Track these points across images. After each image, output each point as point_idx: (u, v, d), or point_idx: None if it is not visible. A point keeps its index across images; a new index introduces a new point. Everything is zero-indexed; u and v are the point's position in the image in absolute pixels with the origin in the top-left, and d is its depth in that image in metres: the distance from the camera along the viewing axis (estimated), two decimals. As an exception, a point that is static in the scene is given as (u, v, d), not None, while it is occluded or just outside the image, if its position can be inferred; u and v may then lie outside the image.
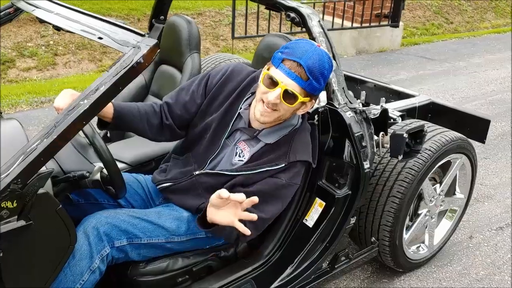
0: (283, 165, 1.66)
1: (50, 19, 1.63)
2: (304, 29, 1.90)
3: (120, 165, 2.17)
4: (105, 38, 1.46)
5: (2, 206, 1.19)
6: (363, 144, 1.87)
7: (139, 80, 2.81)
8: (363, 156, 1.86)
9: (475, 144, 2.54)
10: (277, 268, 1.90)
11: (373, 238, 2.18)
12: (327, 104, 1.88)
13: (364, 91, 3.26)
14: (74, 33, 1.56)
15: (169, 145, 2.10)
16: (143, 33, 1.45)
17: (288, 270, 1.90)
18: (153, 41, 1.39)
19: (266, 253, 1.91)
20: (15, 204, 1.21)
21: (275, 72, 1.55)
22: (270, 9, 2.17)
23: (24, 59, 6.73)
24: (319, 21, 1.91)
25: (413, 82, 5.40)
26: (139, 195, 1.90)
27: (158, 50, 1.41)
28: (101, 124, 1.72)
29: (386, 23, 6.62)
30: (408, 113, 2.72)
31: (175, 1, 8.81)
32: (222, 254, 1.88)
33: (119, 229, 1.59)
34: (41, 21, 1.74)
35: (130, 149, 2.27)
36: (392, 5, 6.48)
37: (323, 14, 6.31)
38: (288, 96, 1.55)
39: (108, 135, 2.75)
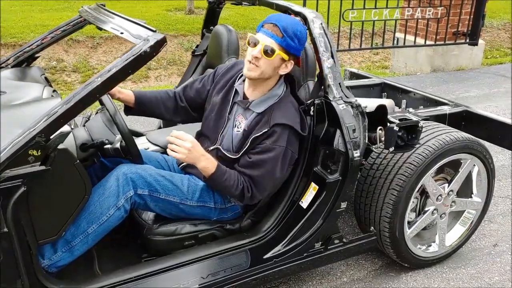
0: (266, 129, 1.94)
1: (96, 22, 2.07)
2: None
3: (154, 147, 2.56)
4: (125, 33, 1.83)
5: (29, 153, 1.57)
6: (355, 134, 2.03)
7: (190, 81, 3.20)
8: (353, 145, 2.03)
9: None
10: (272, 242, 2.11)
11: (372, 227, 2.29)
12: (322, 97, 2.08)
13: (404, 100, 3.36)
14: (105, 30, 1.96)
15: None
16: (154, 29, 1.80)
17: (281, 245, 2.10)
18: (161, 36, 1.73)
19: (264, 229, 2.13)
20: (39, 153, 1.59)
21: (257, 35, 1.93)
22: (282, 12, 2.40)
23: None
24: (321, 23, 2.12)
25: (482, 99, 5.24)
26: (162, 169, 2.23)
27: (165, 43, 1.75)
28: (127, 109, 2.16)
29: (463, 41, 6.47)
30: (439, 120, 2.80)
31: (251, 21, 9.32)
32: (227, 226, 2.15)
33: (144, 180, 1.93)
34: (89, 23, 2.19)
35: (167, 134, 2.62)
36: (471, 22, 6.33)
37: (394, 31, 6.35)
38: (267, 50, 1.90)
39: (162, 127, 3.16)
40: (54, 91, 2.24)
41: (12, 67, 2.57)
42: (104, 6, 2.39)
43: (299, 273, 2.45)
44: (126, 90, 2.15)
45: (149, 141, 2.61)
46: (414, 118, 2.41)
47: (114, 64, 1.69)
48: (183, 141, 1.87)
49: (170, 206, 2.02)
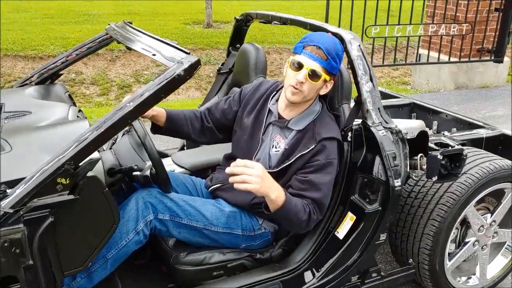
0: (313, 146, 1.87)
1: (125, 41, 1.99)
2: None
3: (180, 170, 2.47)
4: (157, 55, 1.75)
5: (58, 181, 1.49)
6: (396, 162, 1.92)
7: (215, 100, 3.12)
8: (394, 174, 1.91)
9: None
10: (306, 275, 2.00)
11: (411, 259, 2.17)
12: (361, 122, 1.98)
13: (436, 121, 3.25)
14: (136, 50, 1.88)
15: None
16: (187, 51, 1.72)
17: (316, 279, 1.99)
18: (195, 58, 1.65)
19: (297, 260, 2.02)
20: (68, 181, 1.50)
21: (300, 57, 1.84)
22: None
23: (140, 84, 7.57)
24: (359, 45, 2.03)
25: (510, 119, 5.08)
26: (190, 193, 2.15)
27: (199, 66, 1.67)
28: (155, 128, 2.04)
29: (488, 58, 6.34)
30: (475, 144, 2.68)
31: (279, 36, 9.30)
32: (257, 256, 2.04)
33: (165, 205, 1.86)
34: (118, 42, 2.12)
35: (193, 156, 2.56)
36: (496, 39, 6.21)
37: (418, 47, 6.25)
38: (313, 75, 1.83)
39: (185, 147, 3.08)
40: (79, 111, 2.18)
41: (35, 84, 2.52)
42: (131, 23, 2.33)
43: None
44: (158, 108, 2.05)
45: (174, 162, 2.52)
46: (452, 143, 2.30)
47: (147, 88, 1.61)
48: (253, 169, 1.68)
49: (194, 232, 1.93)
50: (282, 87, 1.99)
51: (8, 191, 1.45)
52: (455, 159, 2.01)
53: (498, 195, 2.28)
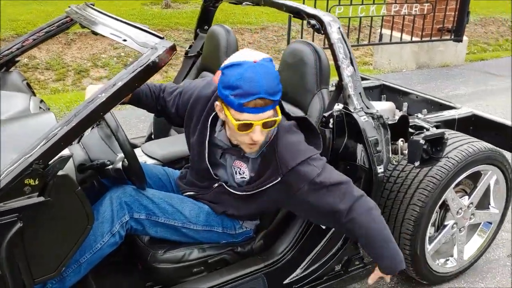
0: (279, 179, 1.68)
1: (90, 25, 1.84)
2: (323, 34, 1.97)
3: (151, 161, 2.35)
4: (128, 40, 1.62)
5: (26, 182, 1.36)
6: (378, 148, 1.89)
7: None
8: (376, 160, 1.88)
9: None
10: (289, 266, 1.95)
11: (392, 245, 2.16)
12: (342, 108, 1.93)
13: (406, 102, 3.24)
14: (105, 36, 1.73)
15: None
16: (161, 36, 1.59)
17: (300, 269, 1.95)
18: (170, 43, 1.53)
19: (280, 251, 1.97)
20: (37, 182, 1.37)
21: (244, 117, 1.57)
22: (295, 17, 2.24)
23: (98, 69, 7.27)
24: (339, 27, 1.96)
25: (472, 98, 5.20)
26: (166, 188, 2.04)
27: (175, 52, 1.55)
28: None
29: (448, 37, 6.44)
30: (447, 125, 2.68)
31: (240, 16, 9.14)
32: (238, 249, 1.97)
33: (140, 203, 1.75)
34: (83, 27, 1.95)
35: (164, 147, 2.45)
36: (456, 19, 6.30)
37: (381, 27, 6.26)
38: (267, 124, 1.61)
39: (153, 136, 2.95)
40: (41, 101, 2.02)
41: (-11, 72, 2.32)
42: (94, 5, 2.16)
43: None
44: None
45: (145, 153, 2.40)
46: (427, 125, 2.29)
47: (119, 77, 1.48)
48: None
49: (171, 230, 1.83)
50: None
51: (-31, 196, 1.31)
52: (436, 143, 1.99)
53: (475, 178, 2.29)
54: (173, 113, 1.98)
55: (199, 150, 1.85)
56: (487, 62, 7.03)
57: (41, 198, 1.39)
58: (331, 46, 1.93)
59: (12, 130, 1.65)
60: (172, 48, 1.52)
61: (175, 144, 2.46)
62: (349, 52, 1.95)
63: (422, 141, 1.91)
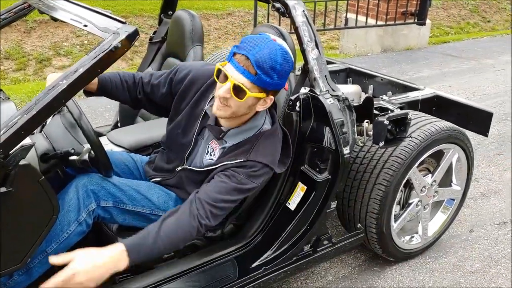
0: (241, 160, 1.67)
1: (49, 11, 1.78)
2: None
3: (118, 149, 2.32)
4: (89, 26, 1.57)
5: (-15, 173, 1.32)
6: (344, 130, 1.91)
7: (148, 71, 2.94)
8: (343, 142, 1.90)
9: (491, 139, 2.51)
10: (259, 249, 1.97)
11: (359, 224, 2.21)
12: (309, 91, 1.94)
13: (371, 85, 3.29)
14: (65, 22, 1.69)
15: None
16: (123, 20, 1.56)
17: (269, 251, 1.97)
18: (132, 28, 1.49)
19: (249, 235, 1.98)
20: (-3, 172, 1.34)
21: (227, 67, 1.56)
22: (260, 1, 2.23)
23: (60, 57, 7.07)
24: (303, 11, 1.97)
25: (435, 80, 5.32)
26: (133, 175, 2.01)
27: (138, 36, 1.52)
28: (87, 92, 1.87)
29: (412, 21, 6.55)
30: (411, 106, 2.74)
31: (205, 2, 9.03)
32: (208, 234, 1.97)
33: (107, 191, 1.72)
34: (41, 13, 1.89)
35: (131, 134, 2.40)
36: (419, 2, 6.40)
37: (346, 12, 6.31)
38: (237, 90, 1.55)
39: (119, 124, 2.90)
40: (0, 91, 1.95)
41: None
42: None
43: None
44: None
45: (111, 142, 2.36)
46: (391, 107, 2.33)
47: (81, 63, 1.45)
48: (70, 281, 1.39)
49: (140, 217, 1.81)
50: None
51: None
52: (400, 123, 2.03)
53: (438, 156, 2.36)
54: (162, 93, 1.88)
55: (188, 121, 1.81)
56: (450, 45, 7.19)
57: (3, 189, 1.35)
58: (296, 30, 1.94)
59: (-31, 120, 1.59)
60: (135, 33, 1.49)
61: (142, 131, 2.43)
62: (314, 35, 1.95)
63: (386, 122, 1.95)
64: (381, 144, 1.98)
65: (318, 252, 2.06)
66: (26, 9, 2.26)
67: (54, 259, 1.43)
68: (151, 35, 3.06)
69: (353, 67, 3.51)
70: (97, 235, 1.92)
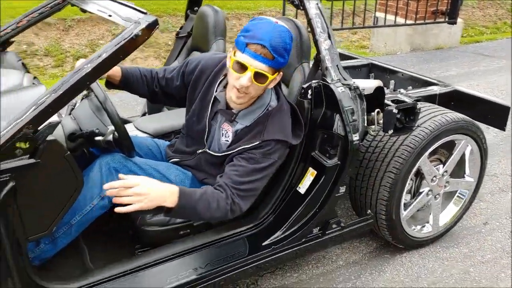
0: (257, 143, 1.79)
1: (79, 3, 1.93)
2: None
3: (143, 135, 2.46)
4: (113, 16, 1.72)
5: (17, 146, 1.47)
6: (354, 117, 1.99)
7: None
8: (352, 129, 1.98)
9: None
10: (269, 229, 2.07)
11: (369, 211, 2.28)
12: (320, 80, 2.02)
13: (393, 80, 3.34)
14: (92, 13, 1.84)
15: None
16: (145, 11, 1.70)
17: (279, 232, 2.06)
18: (152, 18, 1.63)
19: (261, 216, 2.08)
20: (27, 145, 1.48)
21: (242, 57, 1.67)
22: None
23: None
24: (317, 3, 2.05)
25: (463, 78, 5.28)
26: (156, 157, 2.15)
27: (157, 26, 1.65)
28: (109, 84, 2.04)
29: (443, 20, 6.49)
30: (429, 100, 2.78)
31: (238, 1, 9.18)
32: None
33: (128, 169, 1.86)
34: (72, 5, 2.05)
35: (155, 122, 2.56)
36: (450, 1, 6.35)
37: (375, 11, 6.32)
38: (259, 77, 1.69)
39: (146, 114, 3.05)
40: (34, 78, 2.12)
41: (-15, 52, 2.42)
42: None
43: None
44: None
45: (137, 128, 2.51)
46: (407, 100, 2.39)
47: (104, 49, 1.59)
48: (131, 188, 1.57)
49: None
50: None
51: (-34, 157, 1.43)
52: (409, 113, 2.09)
53: (450, 147, 2.40)
54: (176, 86, 2.03)
55: (201, 108, 1.94)
56: (482, 44, 7.08)
57: (32, 160, 1.50)
58: (309, 21, 2.03)
59: (5, 101, 1.76)
60: (155, 22, 1.62)
61: (165, 119, 2.58)
62: (327, 27, 2.04)
63: (395, 110, 2.01)
64: (390, 132, 2.04)
65: (327, 234, 2.14)
66: (60, 4, 2.44)
67: (123, 176, 1.60)
68: (178, 30, 3.21)
69: (375, 62, 3.56)
70: (120, 214, 2.07)
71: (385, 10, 6.28)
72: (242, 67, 1.68)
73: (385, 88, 3.23)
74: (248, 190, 1.81)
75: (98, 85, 1.87)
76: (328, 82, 1.99)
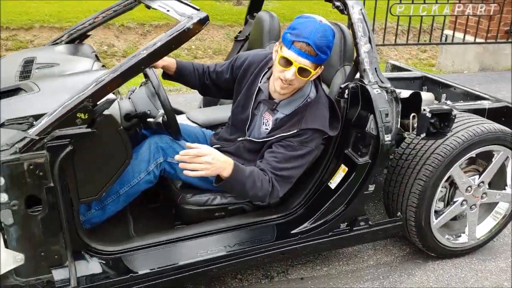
0: (295, 131, 1.95)
1: (146, 1, 2.18)
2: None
3: (193, 125, 2.67)
4: (171, 11, 1.94)
5: (78, 116, 1.71)
6: (387, 119, 2.06)
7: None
8: (385, 129, 2.06)
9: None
10: (299, 219, 2.18)
11: (399, 213, 2.31)
12: (358, 80, 2.12)
13: (445, 94, 3.34)
14: (153, 8, 2.06)
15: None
16: (198, 8, 1.89)
17: (307, 223, 2.17)
18: (204, 14, 1.83)
19: (292, 206, 2.20)
20: (86, 116, 1.72)
21: (288, 53, 1.83)
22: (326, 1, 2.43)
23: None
24: (360, 9, 2.16)
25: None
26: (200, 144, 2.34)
27: (208, 22, 1.84)
28: (165, 75, 2.29)
29: (516, 40, 6.27)
30: (477, 114, 2.77)
31: (298, 13, 9.36)
32: (256, 202, 2.23)
33: (174, 150, 2.05)
34: (140, 2, 2.31)
35: (204, 114, 2.77)
36: (525, 21, 6.12)
37: (443, 28, 6.23)
38: (302, 72, 1.86)
39: (201, 107, 3.27)
40: (103, 66, 2.39)
41: (65, 43, 2.74)
42: None
43: (327, 253, 2.51)
44: (169, 58, 2.24)
45: (188, 119, 2.73)
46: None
47: (159, 39, 1.80)
48: (203, 157, 1.78)
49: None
50: None
51: (35, 122, 1.68)
52: (444, 118, 2.13)
53: (489, 157, 2.38)
54: (226, 79, 2.24)
55: (246, 99, 2.12)
56: (560, 68, 6.72)
57: (89, 130, 1.73)
58: (351, 25, 2.14)
59: (73, 80, 2.03)
60: (206, 18, 1.82)
61: (215, 112, 2.79)
62: (368, 31, 2.14)
63: (428, 114, 2.07)
64: (422, 135, 2.09)
65: (354, 231, 2.22)
66: (133, 3, 2.72)
67: (192, 145, 1.80)
68: (237, 34, 3.42)
69: (428, 75, 3.57)
70: (165, 195, 2.28)
71: (453, 27, 6.17)
72: (288, 62, 1.85)
73: (436, 101, 3.27)
74: (285, 177, 1.97)
75: (154, 73, 2.09)
76: (365, 83, 2.09)
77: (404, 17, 5.93)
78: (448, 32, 6.43)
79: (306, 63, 1.84)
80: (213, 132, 2.44)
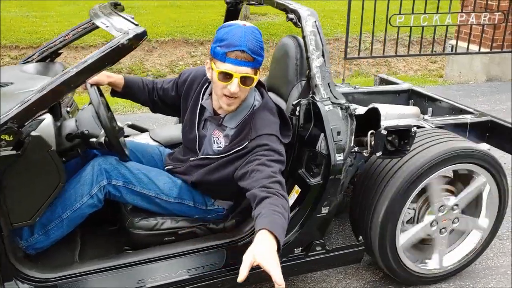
0: (247, 143, 1.85)
1: (94, 18, 2.11)
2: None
3: (154, 143, 2.60)
4: (109, 27, 1.87)
5: (2, 138, 1.65)
6: (339, 137, 1.94)
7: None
8: (336, 148, 1.93)
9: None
10: (250, 244, 2.06)
11: (360, 237, 2.18)
12: (310, 97, 2.01)
13: (431, 108, 3.20)
14: (99, 26, 1.99)
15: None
16: (136, 23, 1.82)
17: (259, 248, 2.04)
18: (141, 29, 1.74)
19: (245, 230, 2.08)
20: (11, 138, 1.65)
21: (225, 66, 1.75)
22: (281, 9, 2.31)
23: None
24: (314, 21, 2.05)
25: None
26: (157, 165, 2.26)
27: (145, 37, 1.76)
28: (113, 92, 2.22)
29: (523, 49, 6.02)
30: (459, 129, 2.62)
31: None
32: (210, 225, 2.13)
33: (119, 171, 1.97)
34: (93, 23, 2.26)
35: (169, 131, 2.69)
36: (532, 30, 5.89)
37: (445, 38, 6.04)
38: (245, 80, 1.78)
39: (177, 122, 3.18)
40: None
41: (36, 61, 2.71)
42: (120, 4, 2.44)
43: (293, 279, 2.39)
44: (116, 75, 2.19)
45: (151, 137, 2.65)
46: (425, 125, 2.28)
47: (91, 56, 1.73)
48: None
49: (146, 199, 2.02)
50: None
51: (-42, 145, 1.62)
52: (404, 136, 2.00)
53: (467, 181, 2.23)
54: (171, 96, 2.17)
55: (191, 118, 2.04)
56: None
57: (13, 152, 1.66)
58: (303, 38, 2.03)
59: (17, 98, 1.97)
60: (143, 34, 1.73)
61: (175, 130, 2.68)
62: (322, 45, 2.03)
63: (384, 132, 1.94)
64: (378, 154, 1.96)
65: (310, 256, 2.09)
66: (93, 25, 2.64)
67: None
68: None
69: (415, 88, 3.42)
70: (114, 213, 2.20)
71: (456, 37, 5.98)
72: (227, 76, 1.76)
73: (422, 116, 3.12)
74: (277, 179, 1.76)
75: (95, 91, 2.02)
76: (316, 100, 1.98)
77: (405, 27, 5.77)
78: (453, 42, 6.23)
79: (246, 70, 1.76)
80: (170, 150, 2.36)
